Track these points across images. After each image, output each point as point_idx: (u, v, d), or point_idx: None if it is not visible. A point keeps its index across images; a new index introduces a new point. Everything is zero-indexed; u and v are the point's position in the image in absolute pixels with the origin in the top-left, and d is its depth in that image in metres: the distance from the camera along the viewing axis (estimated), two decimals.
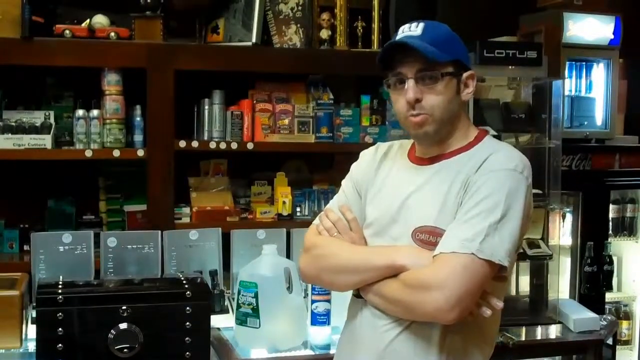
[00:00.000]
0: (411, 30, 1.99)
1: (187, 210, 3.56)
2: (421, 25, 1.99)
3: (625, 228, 4.32)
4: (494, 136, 2.22)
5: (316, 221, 2.18)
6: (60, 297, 2.39)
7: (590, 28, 4.00)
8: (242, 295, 2.66)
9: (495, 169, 1.92)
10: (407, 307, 1.92)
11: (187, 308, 2.47)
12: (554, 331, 3.08)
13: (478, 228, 1.86)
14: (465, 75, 2.02)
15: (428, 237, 1.95)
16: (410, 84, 1.97)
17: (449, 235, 1.89)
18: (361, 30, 3.85)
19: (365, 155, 2.23)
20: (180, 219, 3.52)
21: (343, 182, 2.23)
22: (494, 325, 2.08)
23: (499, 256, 1.86)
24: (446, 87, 1.98)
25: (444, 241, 1.89)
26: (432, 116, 1.98)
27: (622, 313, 4.40)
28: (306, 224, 2.60)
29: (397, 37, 2.00)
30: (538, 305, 3.25)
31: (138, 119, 3.47)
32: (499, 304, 1.92)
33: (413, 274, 1.90)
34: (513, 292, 3.51)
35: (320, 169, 3.98)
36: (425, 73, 1.97)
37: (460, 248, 1.85)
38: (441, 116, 1.99)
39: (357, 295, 2.06)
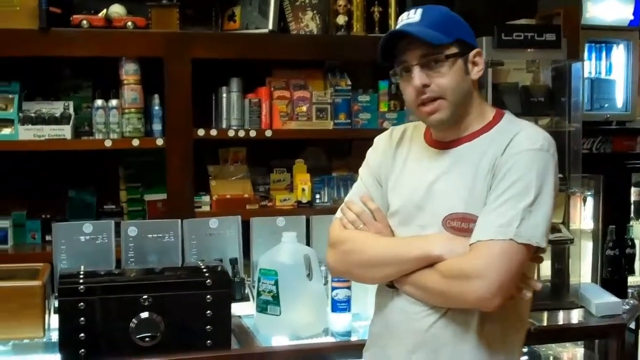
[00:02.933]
0: (409, 17, 1.98)
1: (206, 198, 3.58)
2: (419, 10, 1.98)
3: None
4: None
5: (338, 214, 2.15)
6: (81, 287, 2.40)
7: (609, 9, 3.96)
8: (263, 282, 2.66)
9: (522, 149, 1.91)
10: (449, 297, 1.92)
11: (208, 296, 2.48)
12: (575, 316, 3.06)
13: (513, 212, 1.85)
14: (471, 54, 2.00)
15: (460, 224, 1.94)
16: (416, 70, 1.96)
17: (484, 222, 1.88)
18: (378, 15, 3.83)
19: (380, 140, 2.21)
20: (200, 207, 3.54)
21: (360, 170, 2.21)
22: (528, 308, 2.09)
23: (537, 239, 1.86)
24: (452, 68, 1.96)
25: (479, 228, 1.88)
26: (445, 99, 1.96)
27: None
28: (326, 210, 2.62)
29: (397, 27, 2.00)
30: (560, 290, 3.23)
31: (156, 108, 3.49)
32: (538, 285, 1.95)
33: (452, 264, 1.89)
34: (534, 277, 3.50)
35: (338, 155, 3.98)
36: (429, 58, 1.95)
37: (498, 234, 1.84)
38: (453, 98, 1.97)
39: (390, 285, 2.05)
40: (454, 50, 1.96)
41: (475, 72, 2.01)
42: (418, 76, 1.96)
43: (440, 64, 1.95)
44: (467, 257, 1.87)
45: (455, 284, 1.88)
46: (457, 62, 1.97)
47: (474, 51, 2.00)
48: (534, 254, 1.91)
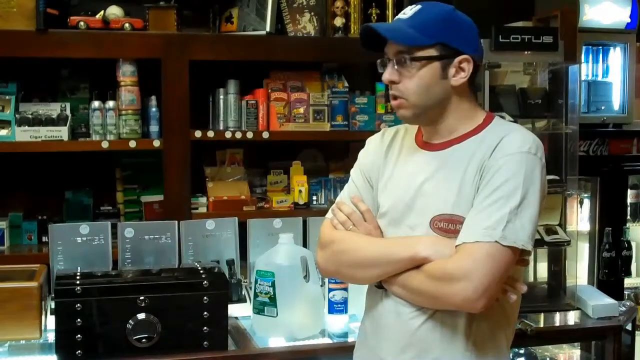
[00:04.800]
0: (405, 13, 2.01)
1: (203, 200, 3.58)
2: (416, 8, 1.99)
3: None
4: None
5: (329, 215, 2.18)
6: (78, 288, 2.40)
7: (606, 12, 3.96)
8: (259, 284, 2.67)
9: (510, 152, 1.92)
10: (434, 299, 1.93)
11: (205, 298, 2.48)
12: (572, 317, 3.07)
13: (499, 215, 1.86)
14: (457, 59, 1.97)
15: (447, 225, 1.95)
16: (389, 65, 1.99)
17: (471, 224, 1.89)
18: (375, 17, 3.83)
19: (371, 142, 2.22)
20: (197, 208, 3.53)
21: (352, 171, 2.22)
22: (516, 308, 2.09)
23: (522, 241, 1.87)
24: (425, 71, 1.96)
25: (465, 230, 1.89)
26: (407, 100, 1.99)
27: None
28: (322, 212, 2.61)
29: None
30: (556, 292, 3.23)
31: (154, 109, 3.49)
32: (524, 288, 1.95)
33: (437, 266, 1.90)
34: (531, 279, 3.50)
35: (336, 157, 3.98)
36: (403, 56, 1.96)
37: (483, 237, 1.85)
38: (417, 101, 1.98)
39: (379, 286, 2.06)
40: (429, 53, 1.96)
41: (458, 78, 1.99)
42: (388, 71, 2.00)
43: (412, 63, 1.96)
44: (453, 259, 1.88)
45: (441, 286, 1.89)
46: (430, 65, 1.97)
47: (460, 57, 1.98)
48: (519, 256, 1.91)
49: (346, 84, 3.80)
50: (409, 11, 2.00)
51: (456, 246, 1.88)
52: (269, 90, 3.66)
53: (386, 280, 2.01)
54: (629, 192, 4.14)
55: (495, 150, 1.94)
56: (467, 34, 2.02)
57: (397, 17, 2.03)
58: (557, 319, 3.08)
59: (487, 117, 2.07)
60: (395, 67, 1.98)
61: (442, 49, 1.97)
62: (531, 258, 3.05)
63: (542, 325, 2.97)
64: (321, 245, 2.14)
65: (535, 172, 1.91)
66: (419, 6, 2.00)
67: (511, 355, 2.69)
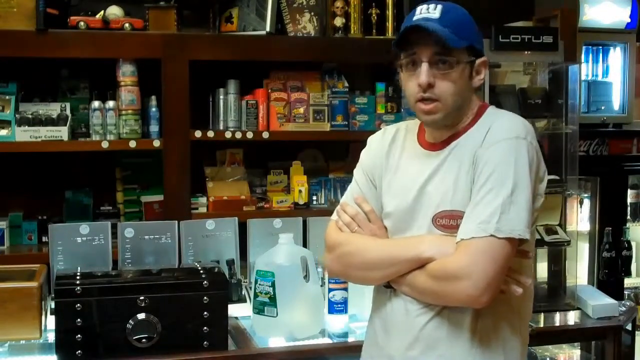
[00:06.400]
0: (429, 12, 1.95)
1: (203, 200, 3.58)
2: (439, 7, 1.95)
3: None
4: None
5: (334, 216, 2.17)
6: (78, 288, 2.40)
7: (606, 12, 3.97)
8: (259, 284, 2.66)
9: (497, 140, 1.91)
10: (440, 297, 1.93)
11: (205, 297, 2.48)
12: (572, 317, 3.07)
13: (492, 207, 1.86)
14: (478, 61, 1.99)
15: (449, 221, 1.95)
16: (424, 67, 1.94)
17: (467, 220, 1.89)
18: (375, 17, 3.84)
19: (373, 141, 2.21)
20: (197, 208, 3.53)
21: (355, 172, 2.21)
22: (526, 302, 2.08)
23: (519, 230, 1.86)
24: (460, 74, 1.95)
25: (463, 227, 1.89)
26: (443, 103, 1.96)
27: None
28: (322, 212, 2.62)
29: (415, 19, 1.96)
30: (556, 292, 3.23)
31: (154, 109, 3.49)
32: (528, 281, 1.94)
33: (438, 266, 1.90)
34: (528, 276, 3.50)
35: (336, 157, 3.98)
36: (441, 58, 1.93)
37: (479, 232, 1.85)
38: (452, 104, 1.96)
39: (387, 285, 2.06)
40: (465, 55, 1.96)
41: (477, 80, 2.01)
42: (426, 73, 1.94)
43: (448, 66, 1.94)
44: (452, 258, 1.88)
45: (444, 285, 1.89)
46: (465, 68, 1.97)
47: (481, 60, 2.00)
48: (518, 246, 1.90)
49: (346, 84, 3.80)
50: (433, 10, 1.94)
51: (456, 243, 1.89)
52: (269, 90, 3.67)
53: (395, 280, 2.01)
54: (629, 192, 4.15)
55: (485, 140, 1.93)
56: (481, 36, 2.04)
57: (422, 15, 1.94)
58: (557, 319, 3.08)
59: (482, 107, 2.06)
60: (431, 69, 1.94)
61: (471, 51, 1.97)
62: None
63: (542, 325, 2.97)
64: (328, 248, 2.14)
65: (525, 157, 1.90)
66: (440, 5, 1.96)
67: None
